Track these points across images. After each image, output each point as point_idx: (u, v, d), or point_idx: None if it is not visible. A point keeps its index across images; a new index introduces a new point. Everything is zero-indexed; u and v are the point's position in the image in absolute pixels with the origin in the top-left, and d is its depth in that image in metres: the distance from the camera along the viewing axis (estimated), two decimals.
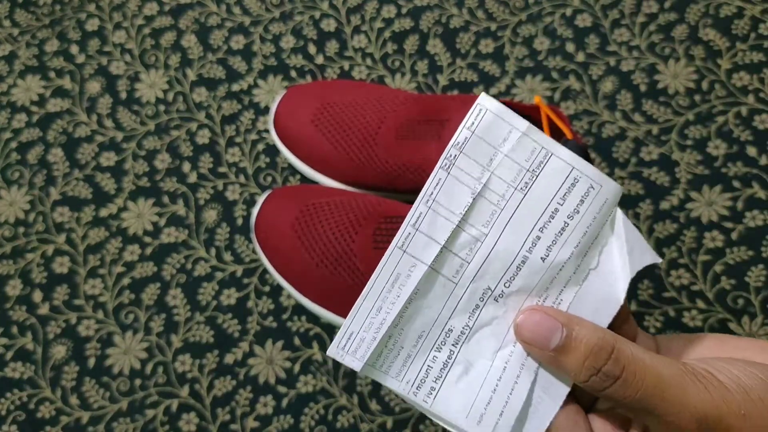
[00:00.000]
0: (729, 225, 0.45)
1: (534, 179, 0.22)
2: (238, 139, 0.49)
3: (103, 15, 0.53)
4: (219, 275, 0.46)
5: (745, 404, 0.20)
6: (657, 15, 0.50)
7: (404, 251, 0.22)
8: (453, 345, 0.23)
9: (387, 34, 0.51)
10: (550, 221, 0.22)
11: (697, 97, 0.48)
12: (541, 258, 0.22)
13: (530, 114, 0.40)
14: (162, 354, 0.44)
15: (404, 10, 0.52)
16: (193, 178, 0.48)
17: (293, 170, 0.48)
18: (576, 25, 0.51)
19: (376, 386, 0.43)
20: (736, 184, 0.46)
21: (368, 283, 0.22)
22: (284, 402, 0.43)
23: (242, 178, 0.48)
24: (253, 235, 0.42)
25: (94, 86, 0.51)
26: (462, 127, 0.22)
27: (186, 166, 0.48)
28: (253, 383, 0.44)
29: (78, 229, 0.47)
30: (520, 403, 0.22)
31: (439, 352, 0.23)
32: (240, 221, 0.47)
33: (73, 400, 0.44)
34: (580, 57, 0.50)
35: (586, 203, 0.22)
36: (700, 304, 0.44)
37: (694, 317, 0.44)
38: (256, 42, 0.51)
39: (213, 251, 0.46)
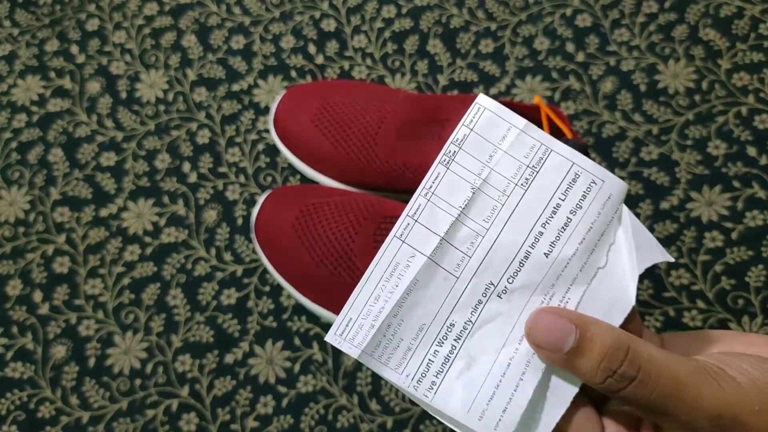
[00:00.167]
0: (729, 225, 0.45)
1: (534, 175, 0.22)
2: (238, 139, 0.49)
3: (103, 15, 0.53)
4: (219, 275, 0.46)
5: (759, 400, 0.19)
6: (657, 15, 0.50)
7: (403, 241, 0.22)
8: (455, 340, 0.22)
9: (387, 34, 0.51)
10: (552, 217, 0.22)
11: (697, 97, 0.48)
12: (545, 254, 0.22)
13: (530, 114, 0.40)
14: (162, 354, 0.44)
15: (404, 10, 0.52)
16: (193, 178, 0.48)
17: (293, 170, 0.48)
18: (576, 25, 0.51)
19: (376, 386, 0.43)
20: (736, 184, 0.46)
21: (367, 270, 0.22)
22: (284, 402, 0.43)
23: (242, 178, 0.48)
24: (253, 235, 0.42)
25: (94, 86, 0.51)
26: (461, 125, 0.22)
27: (186, 166, 0.48)
28: (253, 383, 0.44)
29: (78, 229, 0.47)
30: (524, 402, 0.21)
31: (441, 346, 0.22)
32: (240, 221, 0.47)
33: (73, 400, 0.44)
34: (580, 57, 0.50)
35: (589, 199, 0.22)
36: (700, 304, 0.44)
37: (694, 317, 0.44)
38: (256, 42, 0.51)
39: (213, 251, 0.46)
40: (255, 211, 0.41)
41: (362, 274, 0.37)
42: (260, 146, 0.49)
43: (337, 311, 0.40)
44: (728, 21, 0.50)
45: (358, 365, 0.43)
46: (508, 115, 0.22)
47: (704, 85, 0.48)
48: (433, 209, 0.22)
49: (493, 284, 0.22)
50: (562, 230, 0.22)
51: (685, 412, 0.19)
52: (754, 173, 0.46)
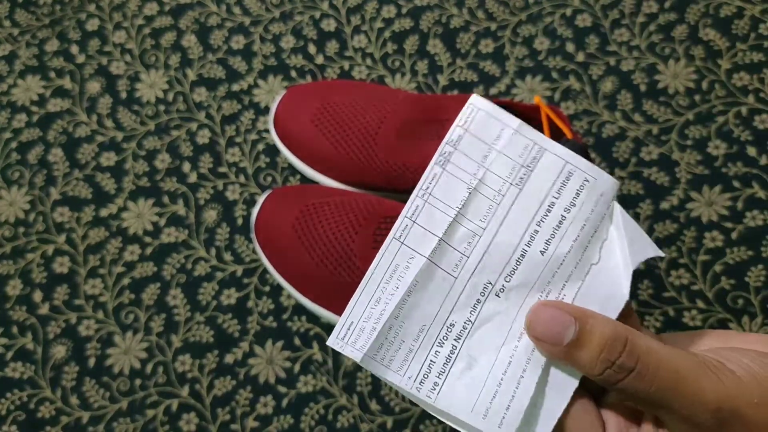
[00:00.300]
0: (729, 225, 0.45)
1: (529, 174, 0.23)
2: (238, 139, 0.49)
3: (103, 15, 0.53)
4: (219, 275, 0.46)
5: (758, 393, 0.19)
6: (657, 15, 0.50)
7: (402, 243, 0.22)
8: (455, 340, 0.23)
9: (387, 34, 0.51)
10: (547, 215, 0.23)
11: (697, 97, 0.48)
12: (540, 251, 0.22)
13: (530, 114, 0.40)
14: (162, 354, 0.44)
15: (404, 10, 0.52)
16: (193, 178, 0.48)
17: (293, 170, 0.48)
18: (576, 25, 0.51)
19: (376, 386, 0.43)
20: (736, 184, 0.46)
21: (366, 273, 0.22)
22: (284, 402, 0.43)
23: (242, 178, 0.48)
24: (253, 235, 0.42)
25: (94, 86, 0.51)
26: (455, 126, 0.23)
27: (186, 166, 0.48)
28: (253, 383, 0.44)
29: (78, 229, 0.47)
30: (527, 398, 0.22)
31: (441, 347, 0.22)
32: (240, 221, 0.47)
33: (73, 400, 0.44)
34: (580, 57, 0.50)
35: (582, 196, 0.23)
36: (700, 304, 0.44)
37: (694, 317, 0.44)
38: (256, 42, 0.51)
39: (213, 251, 0.46)
40: (255, 211, 0.41)
41: (362, 273, 0.37)
42: (260, 146, 0.49)
43: (337, 311, 0.40)
44: (728, 21, 0.50)
45: (358, 365, 0.44)
46: (501, 115, 0.23)
47: (704, 85, 0.48)
48: (430, 210, 0.22)
49: (491, 283, 0.23)
50: (557, 228, 0.23)
51: (685, 406, 0.19)
52: (754, 173, 0.46)
